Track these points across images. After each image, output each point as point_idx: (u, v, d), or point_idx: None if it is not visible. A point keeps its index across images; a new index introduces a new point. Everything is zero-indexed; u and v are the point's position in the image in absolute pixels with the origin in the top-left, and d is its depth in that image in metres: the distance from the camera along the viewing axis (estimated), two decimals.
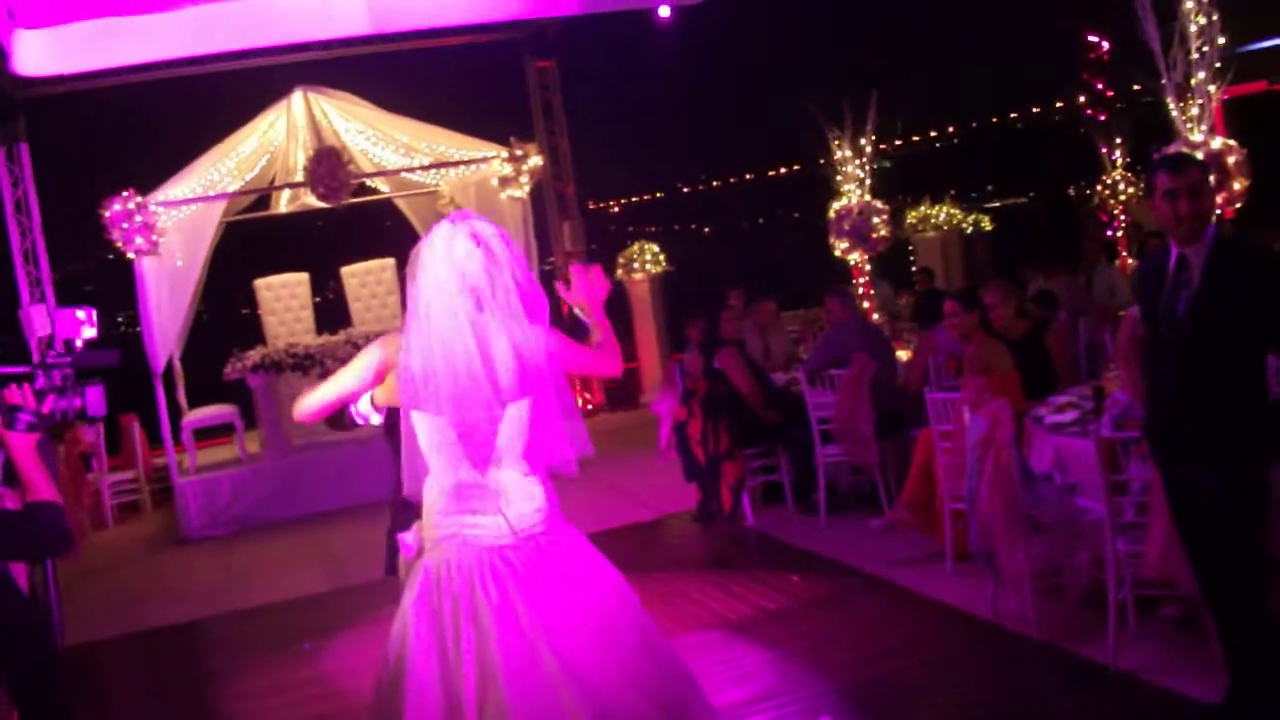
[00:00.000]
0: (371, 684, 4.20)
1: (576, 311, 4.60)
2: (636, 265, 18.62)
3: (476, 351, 4.05)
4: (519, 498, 4.14)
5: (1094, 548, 6.52)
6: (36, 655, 6.47)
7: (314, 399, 4.41)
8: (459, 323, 4.05)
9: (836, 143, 14.72)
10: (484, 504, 4.12)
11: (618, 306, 19.00)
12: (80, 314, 4.95)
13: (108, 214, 13.42)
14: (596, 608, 4.11)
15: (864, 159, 14.71)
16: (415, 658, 3.99)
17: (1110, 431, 6.29)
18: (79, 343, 4.99)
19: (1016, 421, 6.90)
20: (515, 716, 3.86)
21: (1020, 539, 6.64)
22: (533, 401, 4.15)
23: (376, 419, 4.68)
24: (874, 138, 14.64)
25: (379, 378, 4.35)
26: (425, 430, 4.17)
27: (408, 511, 4.80)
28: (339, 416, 4.63)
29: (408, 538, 4.67)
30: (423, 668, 3.97)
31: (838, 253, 15.17)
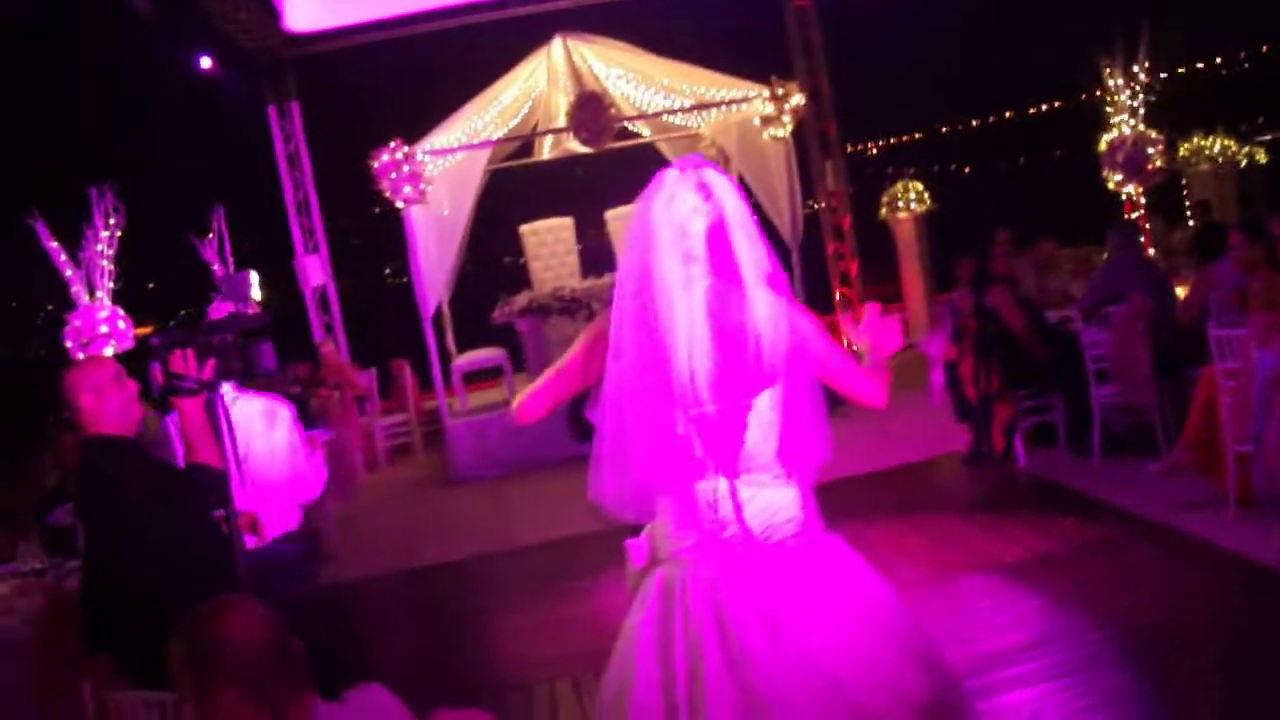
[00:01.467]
0: (602, 685, 3.74)
1: (855, 348, 3.97)
2: (901, 204, 18.37)
3: (708, 329, 3.45)
4: (769, 506, 3.54)
5: None
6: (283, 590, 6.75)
7: (531, 393, 3.83)
8: (688, 292, 3.45)
9: (1108, 71, 14.27)
10: (727, 514, 3.51)
11: (883, 245, 18.83)
12: (252, 276, 5.18)
13: (376, 164, 13.73)
14: (858, 624, 3.49)
15: (1138, 87, 14.23)
16: (639, 685, 3.51)
17: None
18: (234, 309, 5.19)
19: None
20: None
21: None
22: (784, 389, 3.52)
23: None
24: (1148, 65, 14.15)
25: (602, 361, 3.65)
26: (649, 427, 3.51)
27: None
28: (577, 420, 4.13)
29: (637, 543, 3.84)
30: (645, 698, 3.48)
31: (1111, 186, 14.72)
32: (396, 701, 3.07)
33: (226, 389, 6.97)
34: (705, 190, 3.50)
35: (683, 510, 3.55)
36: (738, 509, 3.51)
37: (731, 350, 3.46)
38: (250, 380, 7.18)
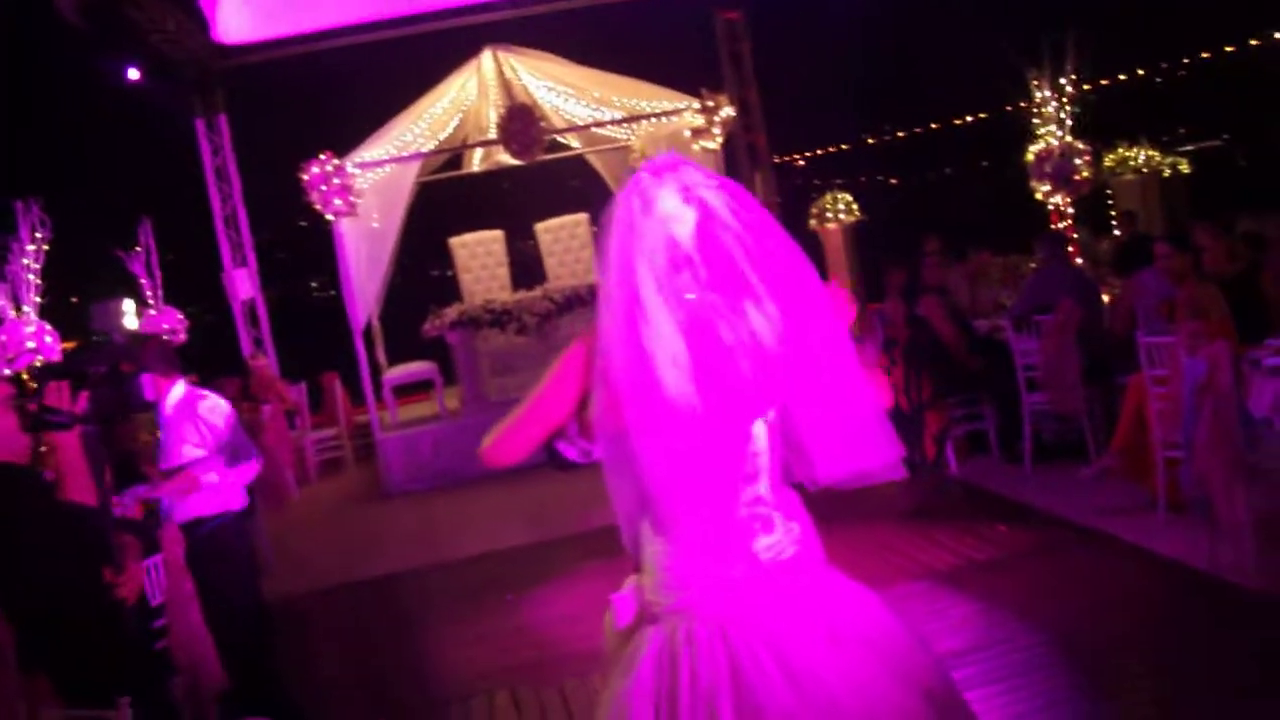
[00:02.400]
0: None
1: None
2: (830, 215, 18.50)
3: (694, 348, 3.00)
4: (774, 541, 3.14)
5: None
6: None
7: (504, 432, 3.31)
8: (673, 308, 3.00)
9: (1035, 83, 14.40)
10: (729, 554, 3.09)
11: (811, 256, 18.87)
12: (126, 305, 5.09)
13: (307, 177, 13.68)
14: (873, 660, 3.08)
15: (1065, 99, 14.36)
16: None
17: None
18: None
19: (1234, 365, 6.71)
20: None
21: (1239, 486, 6.48)
22: (786, 409, 3.13)
23: (593, 454, 3.28)
24: (1074, 77, 14.28)
25: (579, 391, 3.22)
26: (640, 466, 3.08)
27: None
28: (551, 453, 3.33)
29: (622, 597, 3.27)
30: None
31: (1039, 196, 14.85)
32: None
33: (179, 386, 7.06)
34: (686, 193, 3.06)
35: (681, 551, 3.11)
36: (742, 541, 3.11)
37: (720, 372, 3.01)
38: (125, 417, 7.10)
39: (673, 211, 3.04)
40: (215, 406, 6.98)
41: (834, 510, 9.65)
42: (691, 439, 3.00)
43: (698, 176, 3.10)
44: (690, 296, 3.02)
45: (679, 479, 3.03)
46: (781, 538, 3.15)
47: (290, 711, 6.91)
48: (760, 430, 3.10)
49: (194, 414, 6.94)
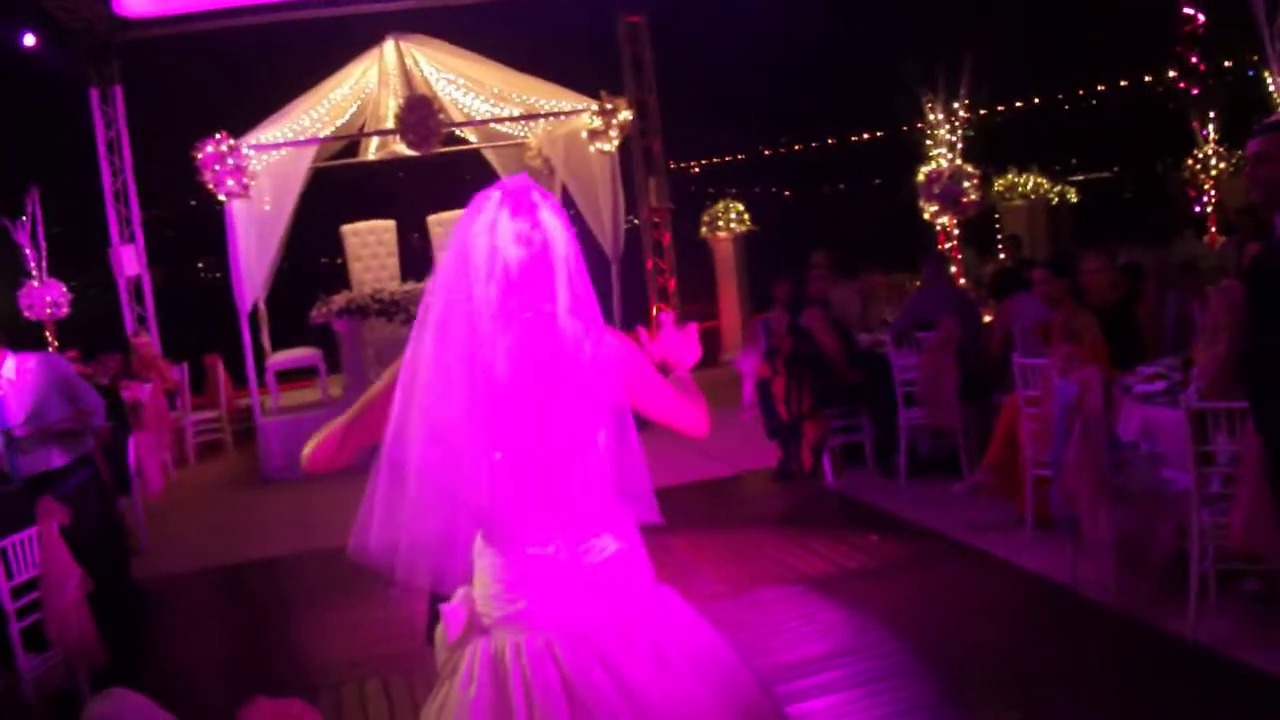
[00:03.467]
0: None
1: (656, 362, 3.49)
2: (721, 223, 18.62)
3: (516, 369, 3.04)
4: (602, 555, 3.17)
5: (1177, 518, 6.50)
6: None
7: (327, 435, 3.34)
8: (505, 326, 3.03)
9: (929, 105, 14.62)
10: (557, 568, 3.12)
11: (701, 264, 19.05)
12: None
13: (200, 156, 13.52)
14: (700, 680, 3.16)
15: (956, 123, 14.61)
16: None
17: (1200, 401, 6.26)
18: None
19: (1105, 389, 6.89)
20: None
21: (1104, 506, 6.65)
22: (612, 431, 3.13)
23: None
24: (967, 102, 14.54)
25: None
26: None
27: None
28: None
29: (453, 608, 3.26)
30: None
31: (926, 216, 15.08)
32: (148, 702, 2.93)
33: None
34: (531, 216, 3.06)
35: (511, 566, 3.13)
36: (568, 557, 3.12)
37: (560, 389, 3.08)
38: None
39: (515, 233, 3.04)
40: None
41: (709, 513, 9.79)
42: (528, 451, 3.05)
43: (544, 201, 3.11)
44: (527, 315, 3.05)
45: (514, 490, 3.07)
46: (610, 555, 3.17)
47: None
48: (595, 445, 3.10)
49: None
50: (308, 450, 3.32)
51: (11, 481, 7.36)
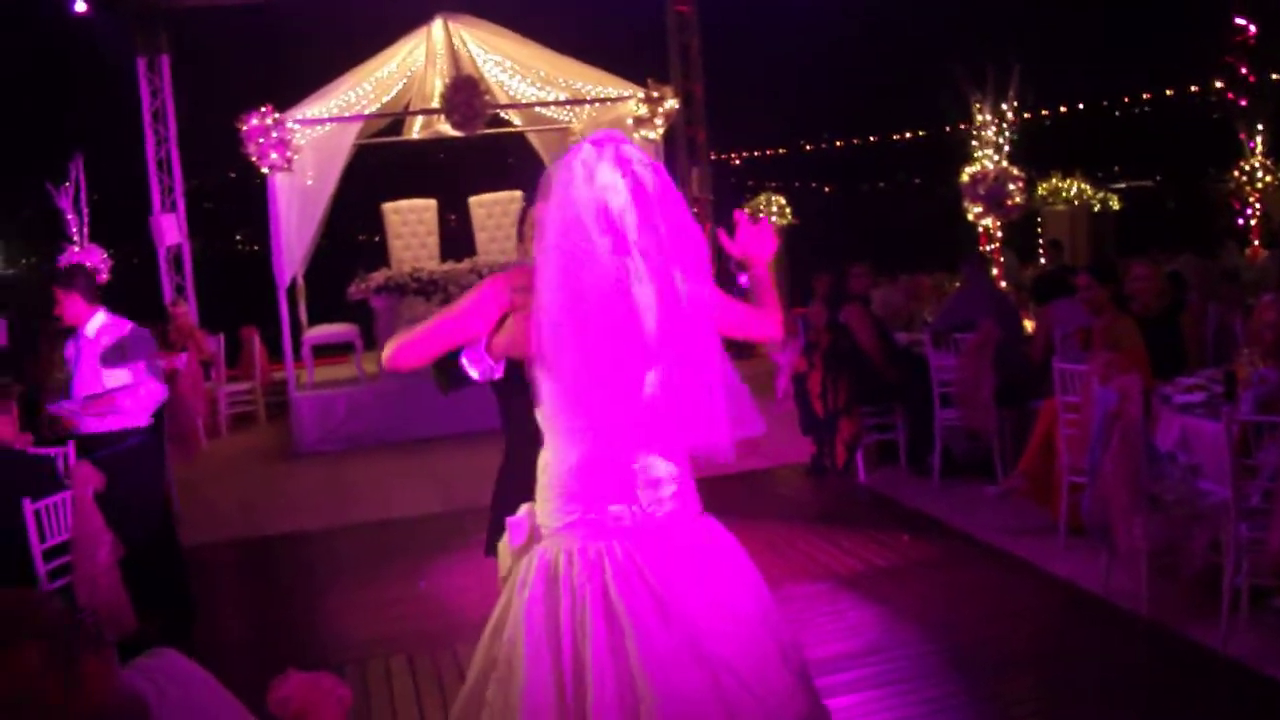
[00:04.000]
0: (472, 675, 3.56)
1: (734, 265, 4.07)
2: (762, 216, 18.60)
3: (619, 302, 3.31)
4: (658, 482, 3.49)
5: (1212, 530, 6.46)
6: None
7: (411, 339, 3.64)
8: (598, 265, 3.28)
9: (978, 106, 14.55)
10: (616, 487, 3.45)
11: None
12: None
13: (245, 128, 13.55)
14: (735, 600, 3.49)
15: (1005, 124, 14.52)
16: (530, 669, 3.37)
17: (1251, 414, 6.21)
18: None
19: (1145, 398, 6.85)
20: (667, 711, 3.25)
21: (1139, 515, 6.59)
22: (685, 368, 3.40)
23: (494, 373, 3.73)
24: (1016, 104, 14.46)
25: (495, 319, 3.60)
26: (549, 394, 3.45)
27: (518, 487, 3.84)
28: (447, 369, 3.75)
29: (518, 521, 3.68)
30: (537, 680, 3.35)
31: (970, 217, 15.01)
32: (195, 666, 2.93)
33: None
34: (623, 163, 3.35)
35: (572, 479, 3.48)
36: (628, 478, 3.46)
37: (636, 326, 3.34)
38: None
39: (608, 182, 3.32)
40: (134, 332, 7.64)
41: (741, 505, 9.77)
42: (604, 369, 3.33)
43: (635, 153, 3.40)
44: (612, 259, 3.32)
45: (590, 396, 3.37)
46: (665, 486, 3.51)
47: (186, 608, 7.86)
48: (659, 382, 3.41)
49: (113, 340, 7.50)
50: (389, 352, 3.63)
51: (73, 439, 7.43)
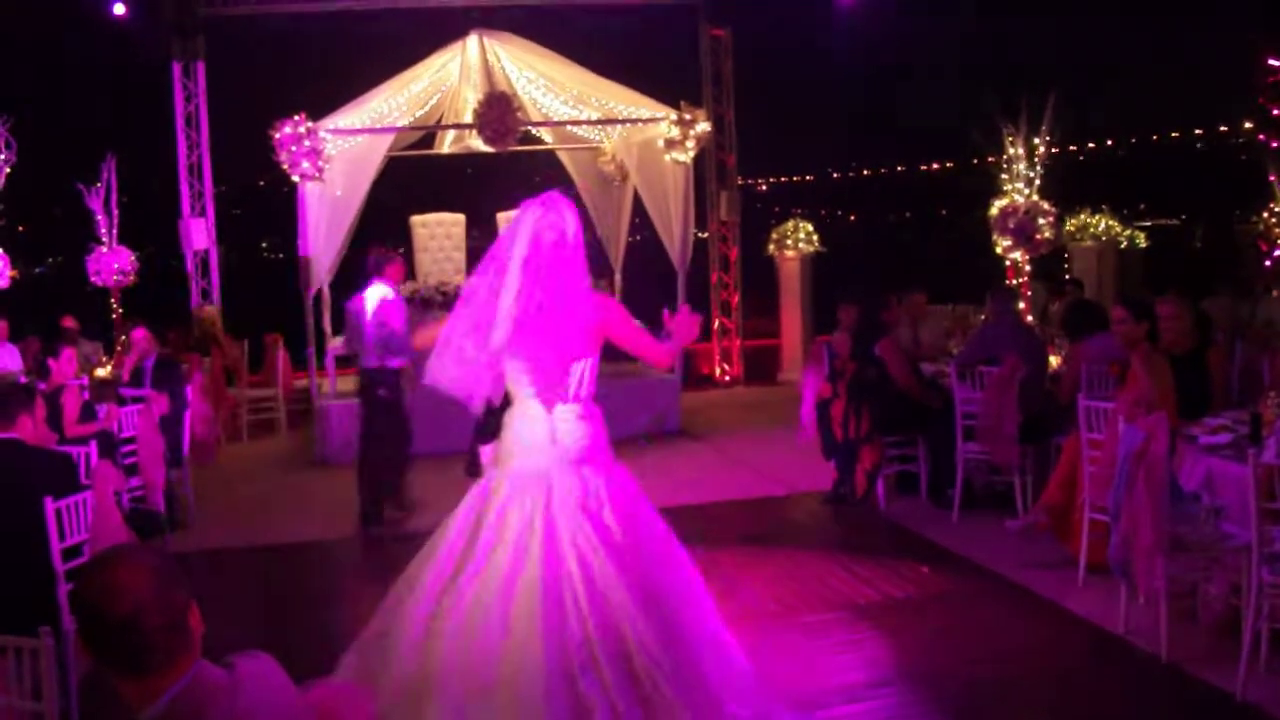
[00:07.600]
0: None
1: (664, 333, 5.53)
2: (790, 242, 18.59)
3: (544, 315, 5.26)
4: (573, 431, 5.33)
5: (1233, 574, 6.42)
6: None
7: (433, 334, 5.64)
8: (538, 287, 5.26)
9: (1010, 139, 14.50)
10: (547, 435, 5.31)
11: (765, 281, 19.02)
12: None
13: (278, 136, 13.61)
14: (636, 529, 5.25)
15: (1037, 158, 14.46)
16: (449, 535, 5.32)
17: (1276, 458, 6.17)
18: None
19: (1170, 438, 6.80)
20: (541, 595, 4.94)
21: (1161, 555, 6.54)
22: (593, 360, 5.41)
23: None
24: (1048, 138, 14.41)
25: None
26: (512, 372, 5.37)
27: (489, 428, 5.79)
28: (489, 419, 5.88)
29: (489, 449, 5.65)
30: (451, 544, 5.28)
31: (999, 250, 14.95)
32: (281, 672, 2.94)
33: None
34: (558, 216, 5.31)
35: (522, 428, 5.37)
36: (553, 429, 5.33)
37: (562, 333, 5.31)
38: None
39: (547, 225, 5.31)
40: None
41: (759, 531, 9.74)
42: (546, 358, 5.31)
43: (567, 211, 5.36)
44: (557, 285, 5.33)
45: (522, 387, 5.41)
46: (580, 431, 5.37)
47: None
48: (577, 369, 5.36)
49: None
50: (418, 340, 5.87)
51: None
